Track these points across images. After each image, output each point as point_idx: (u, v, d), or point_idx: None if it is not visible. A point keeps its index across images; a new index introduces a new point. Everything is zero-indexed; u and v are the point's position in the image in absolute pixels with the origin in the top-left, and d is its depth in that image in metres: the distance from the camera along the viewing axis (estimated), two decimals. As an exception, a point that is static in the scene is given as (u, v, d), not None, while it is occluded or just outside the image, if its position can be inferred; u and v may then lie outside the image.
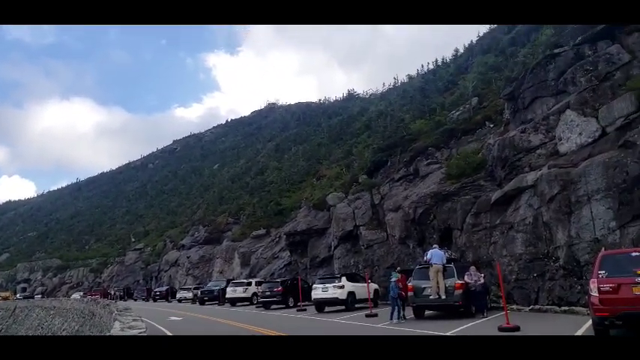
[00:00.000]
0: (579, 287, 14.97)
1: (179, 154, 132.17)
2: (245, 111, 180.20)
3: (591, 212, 15.27)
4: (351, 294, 21.33)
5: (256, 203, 53.79)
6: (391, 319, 15.36)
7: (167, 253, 62.44)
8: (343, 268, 28.36)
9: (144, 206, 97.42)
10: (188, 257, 55.95)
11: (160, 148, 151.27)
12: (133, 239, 76.58)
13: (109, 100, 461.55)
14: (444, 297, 14.87)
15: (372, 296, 20.80)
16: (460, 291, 15.21)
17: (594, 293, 9.27)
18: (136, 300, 49.00)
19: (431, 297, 15.44)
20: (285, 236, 37.63)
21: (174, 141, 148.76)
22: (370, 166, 34.37)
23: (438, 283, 15.20)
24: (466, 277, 15.54)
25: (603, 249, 11.36)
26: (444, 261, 15.67)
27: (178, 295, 42.23)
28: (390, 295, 15.74)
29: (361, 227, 28.63)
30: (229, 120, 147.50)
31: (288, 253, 37.82)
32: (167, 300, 44.68)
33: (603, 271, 9.41)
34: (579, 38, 19.98)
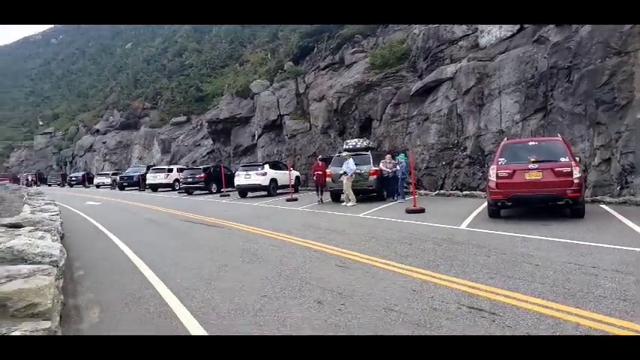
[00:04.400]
0: (480, 174, 16.44)
1: (87, 29, 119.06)
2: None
3: (500, 105, 16.28)
4: (273, 181, 21.92)
5: (175, 88, 51.04)
6: (396, 197, 16.03)
7: (81, 138, 59.10)
8: (266, 156, 28.68)
9: (50, 87, 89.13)
10: (104, 143, 53.45)
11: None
12: (40, 123, 71.05)
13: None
14: (354, 204, 15.51)
15: (293, 183, 21.51)
16: (374, 177, 16.18)
17: (492, 178, 10.23)
18: (50, 186, 47.09)
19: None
20: (207, 124, 36.68)
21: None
22: (296, 53, 33.37)
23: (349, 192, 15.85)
24: (381, 165, 16.44)
25: (506, 139, 12.33)
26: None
27: (96, 181, 41.07)
28: (398, 176, 16.02)
29: (285, 117, 28.56)
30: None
31: (211, 141, 37.28)
32: (84, 186, 43.40)
33: (503, 159, 10.32)
34: None
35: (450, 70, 18.68)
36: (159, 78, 58.51)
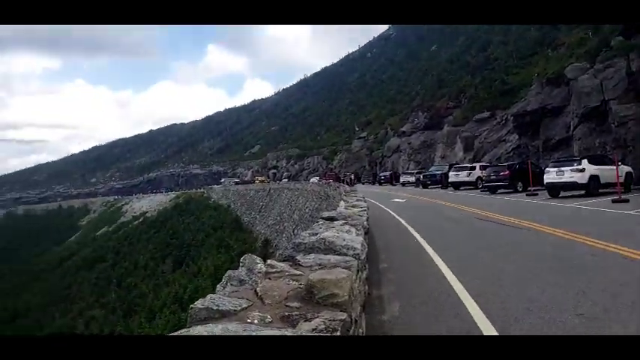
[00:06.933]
0: None
1: (395, 39, 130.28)
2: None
3: None
4: (593, 178, 18.58)
5: (479, 84, 50.14)
6: None
7: (389, 140, 64.70)
8: (584, 150, 24.88)
9: (365, 96, 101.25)
10: (409, 143, 56.95)
11: (376, 36, 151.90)
12: (356, 129, 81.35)
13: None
14: None
15: (622, 180, 17.71)
16: None
17: None
18: (363, 184, 53.23)
19: None
20: (512, 118, 35.06)
21: (390, 26, 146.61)
22: (628, 25, 27.56)
23: None
24: None
25: None
26: None
27: (402, 179, 43.94)
28: None
29: (611, 101, 24.01)
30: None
31: (517, 136, 35.25)
32: (391, 184, 47.06)
33: None
34: None
35: None
36: (462, 76, 58.84)
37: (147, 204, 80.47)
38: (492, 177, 25.07)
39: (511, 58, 50.15)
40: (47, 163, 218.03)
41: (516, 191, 23.80)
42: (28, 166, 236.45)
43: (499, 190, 24.72)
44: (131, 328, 28.70)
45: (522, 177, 23.85)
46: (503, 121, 39.89)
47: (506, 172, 24.35)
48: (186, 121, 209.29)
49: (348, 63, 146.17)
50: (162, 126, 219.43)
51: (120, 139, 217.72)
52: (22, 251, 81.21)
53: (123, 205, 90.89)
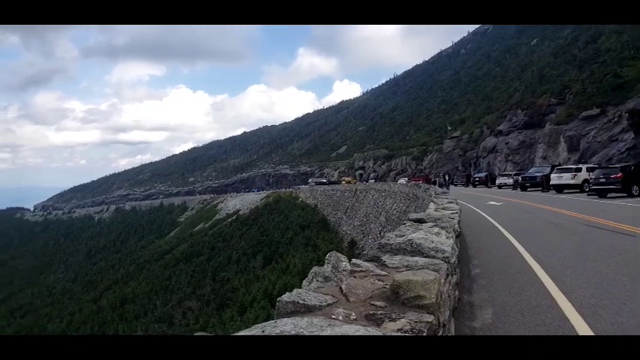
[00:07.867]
0: None
1: (492, 33, 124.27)
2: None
3: None
4: None
5: (586, 78, 46.29)
6: None
7: (484, 139, 61.78)
8: None
9: (458, 94, 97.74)
10: (506, 143, 53.98)
11: (470, 31, 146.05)
12: (449, 128, 78.66)
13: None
14: None
15: None
16: None
17: None
18: (456, 185, 51.30)
19: None
20: (627, 114, 32.20)
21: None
22: None
23: None
24: None
25: None
26: None
27: (498, 181, 41.79)
28: None
29: None
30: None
31: (632, 135, 32.19)
32: (486, 186, 44.86)
33: None
34: None
35: None
36: (567, 70, 54.89)
37: (239, 202, 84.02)
38: (601, 180, 22.86)
39: (626, 49, 45.66)
40: (150, 163, 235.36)
41: (631, 196, 21.52)
42: (134, 165, 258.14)
43: (609, 195, 22.54)
44: (223, 321, 30.09)
45: (638, 180, 21.53)
46: (616, 119, 36.60)
47: (619, 175, 22.07)
48: (276, 123, 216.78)
49: (441, 60, 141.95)
50: (254, 128, 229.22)
51: (215, 141, 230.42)
52: (129, 243, 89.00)
53: (218, 203, 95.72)
